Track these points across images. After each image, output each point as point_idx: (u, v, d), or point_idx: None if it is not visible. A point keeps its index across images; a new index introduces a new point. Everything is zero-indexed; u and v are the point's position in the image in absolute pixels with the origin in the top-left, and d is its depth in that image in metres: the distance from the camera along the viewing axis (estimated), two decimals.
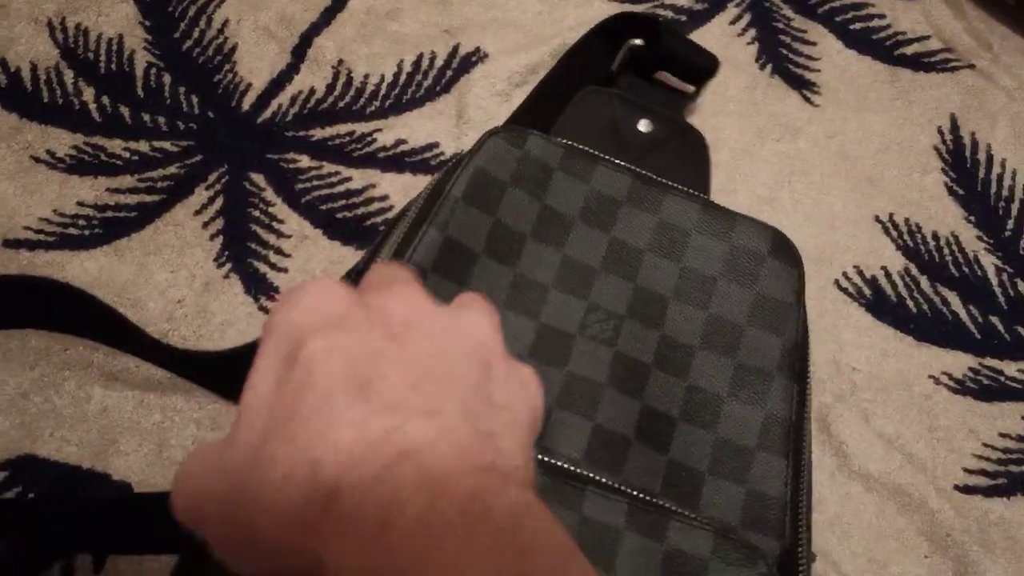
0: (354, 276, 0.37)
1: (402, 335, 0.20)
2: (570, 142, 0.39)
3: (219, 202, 0.44)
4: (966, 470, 0.40)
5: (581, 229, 0.37)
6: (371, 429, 0.18)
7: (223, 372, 0.38)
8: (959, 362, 0.42)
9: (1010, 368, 0.42)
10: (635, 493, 0.32)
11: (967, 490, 0.39)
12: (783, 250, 0.37)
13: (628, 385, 0.34)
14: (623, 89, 0.44)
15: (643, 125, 0.42)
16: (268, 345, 0.20)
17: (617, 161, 0.39)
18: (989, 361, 0.42)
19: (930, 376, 0.42)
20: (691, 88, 0.46)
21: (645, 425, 0.34)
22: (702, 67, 0.45)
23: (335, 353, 0.19)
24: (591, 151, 0.39)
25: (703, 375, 0.35)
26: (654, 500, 0.32)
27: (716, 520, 0.32)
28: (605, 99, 0.43)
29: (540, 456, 0.32)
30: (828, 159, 0.47)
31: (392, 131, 0.46)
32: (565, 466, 0.32)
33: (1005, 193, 0.46)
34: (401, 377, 0.19)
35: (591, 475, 0.32)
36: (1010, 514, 0.39)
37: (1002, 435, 0.40)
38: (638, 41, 0.45)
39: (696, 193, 0.39)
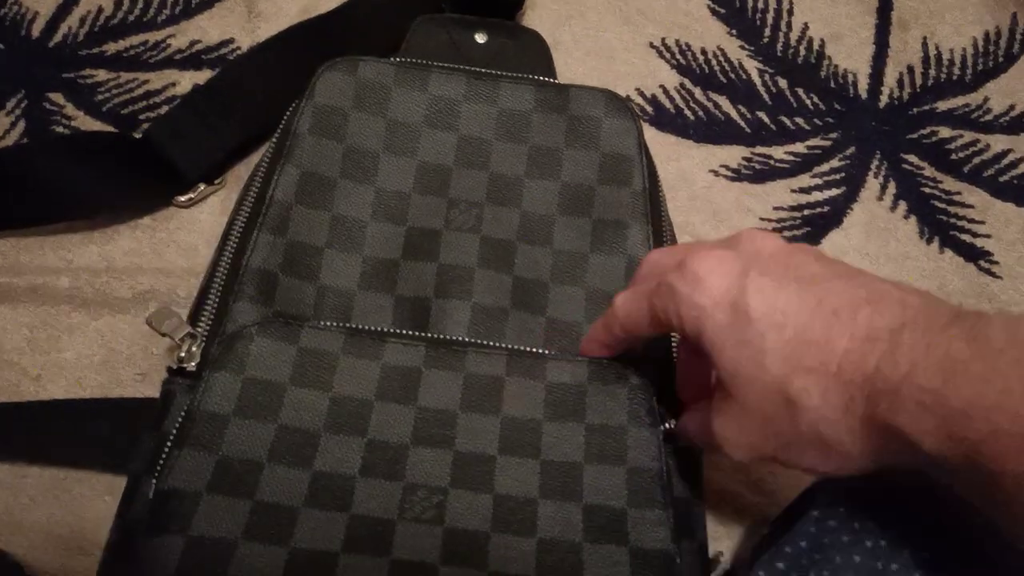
0: (248, 206, 0.37)
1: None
2: (401, 59, 0.41)
3: (21, 125, 0.44)
4: None
5: (429, 134, 0.40)
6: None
7: None
8: (733, 154, 0.47)
9: (777, 152, 0.47)
10: (511, 346, 0.35)
11: None
12: (618, 108, 0.41)
13: (498, 263, 0.37)
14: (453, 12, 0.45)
15: (479, 37, 0.44)
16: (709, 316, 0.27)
17: (448, 65, 0.41)
18: (759, 149, 0.47)
19: (710, 170, 0.46)
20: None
21: (520, 294, 0.37)
22: None
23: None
24: (422, 62, 0.41)
25: (565, 238, 0.38)
26: (529, 348, 0.35)
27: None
28: (438, 23, 0.44)
29: (426, 334, 0.35)
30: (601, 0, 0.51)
31: (185, 35, 0.48)
32: (443, 337, 0.35)
33: (760, 5, 0.51)
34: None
35: (468, 339, 0.35)
36: None
37: (775, 208, 0.46)
38: None
39: (528, 76, 0.42)
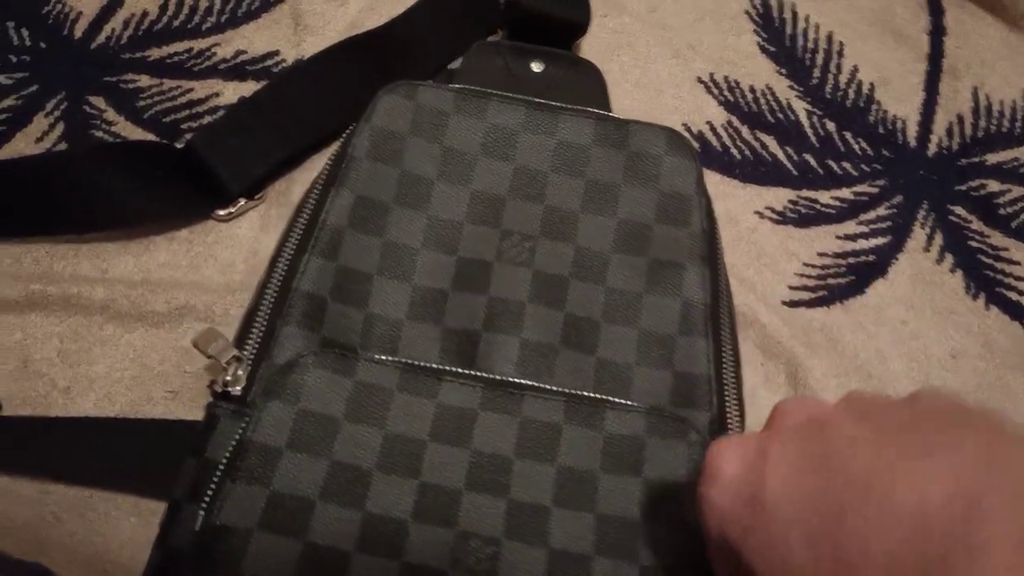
0: (300, 228, 0.37)
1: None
2: (460, 86, 0.41)
3: (60, 128, 0.44)
4: (790, 287, 0.44)
5: (484, 163, 0.39)
6: None
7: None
8: (779, 197, 0.46)
9: (824, 196, 0.47)
10: (569, 391, 0.34)
11: (792, 304, 0.43)
12: (678, 147, 0.40)
13: (550, 299, 0.36)
14: (510, 40, 0.44)
15: (536, 66, 0.44)
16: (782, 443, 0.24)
17: (507, 94, 0.41)
18: (805, 192, 0.47)
19: (755, 212, 0.46)
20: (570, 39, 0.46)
21: (571, 332, 0.36)
22: (572, 21, 0.45)
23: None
24: (481, 90, 0.41)
25: (620, 277, 0.37)
26: (587, 395, 0.34)
27: (648, 404, 0.34)
28: (495, 50, 0.44)
29: (474, 372, 0.34)
30: (651, 31, 0.50)
31: (230, 44, 0.47)
32: (501, 378, 0.34)
33: (811, 46, 0.51)
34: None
35: (525, 382, 0.34)
36: (830, 320, 0.43)
37: (820, 254, 0.45)
38: None
39: (588, 109, 0.41)
